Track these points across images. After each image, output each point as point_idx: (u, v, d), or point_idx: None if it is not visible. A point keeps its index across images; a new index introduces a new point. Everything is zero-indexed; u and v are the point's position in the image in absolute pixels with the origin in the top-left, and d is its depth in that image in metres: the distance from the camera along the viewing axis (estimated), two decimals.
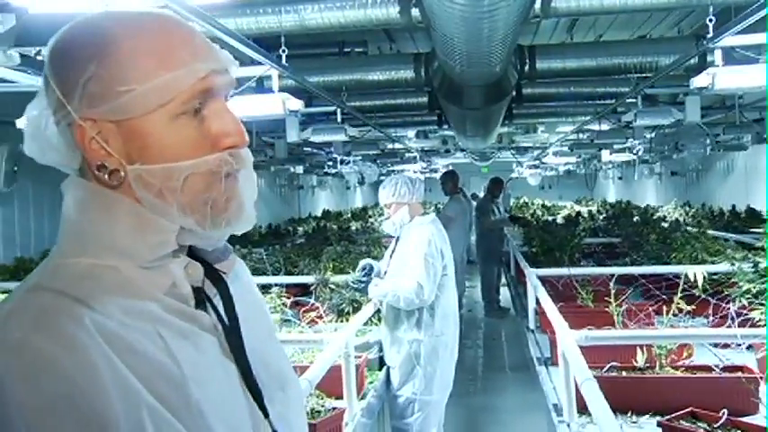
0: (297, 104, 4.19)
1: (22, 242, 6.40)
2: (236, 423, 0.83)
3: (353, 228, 11.31)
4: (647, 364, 2.79)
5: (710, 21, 3.93)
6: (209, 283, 0.88)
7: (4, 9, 2.24)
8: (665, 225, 7.93)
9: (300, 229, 11.43)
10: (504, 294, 8.82)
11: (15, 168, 5.93)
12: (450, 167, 17.39)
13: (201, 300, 0.85)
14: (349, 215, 15.41)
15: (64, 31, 0.82)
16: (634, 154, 9.59)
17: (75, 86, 0.78)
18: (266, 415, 0.87)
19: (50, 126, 0.80)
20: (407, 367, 3.47)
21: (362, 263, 3.70)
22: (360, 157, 11.44)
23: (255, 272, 5.04)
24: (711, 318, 3.08)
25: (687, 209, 10.98)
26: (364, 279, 3.57)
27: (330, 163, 12.19)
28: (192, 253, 0.88)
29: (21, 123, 0.92)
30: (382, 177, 14.62)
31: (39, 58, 2.41)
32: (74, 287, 0.74)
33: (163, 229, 0.81)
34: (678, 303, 2.97)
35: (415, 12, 4.18)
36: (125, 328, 0.74)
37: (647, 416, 2.54)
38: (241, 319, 0.89)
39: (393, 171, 15.34)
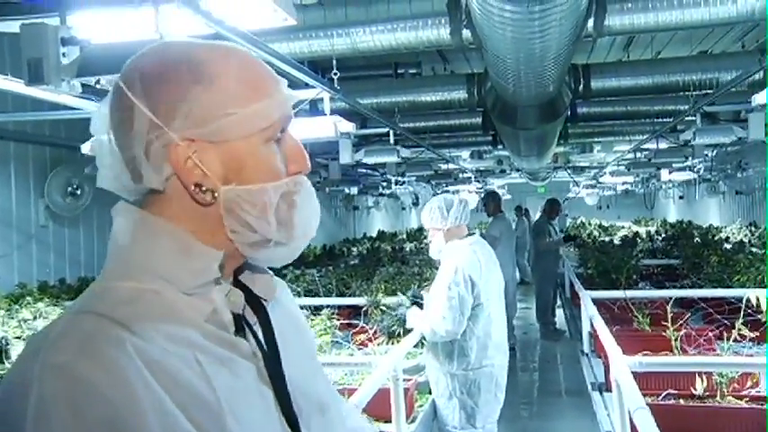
0: (348, 127, 4.23)
1: (86, 262, 6.66)
2: None
3: (407, 249, 11.29)
4: (707, 393, 2.69)
5: None
6: (250, 310, 0.90)
7: (70, 42, 2.34)
8: (728, 246, 7.67)
9: (355, 249, 11.48)
10: (560, 316, 8.66)
11: (77, 190, 6.19)
12: (503, 187, 17.29)
13: (241, 327, 0.87)
14: (404, 236, 15.40)
15: (149, 58, 0.85)
16: (695, 173, 9.32)
17: (177, 108, 0.81)
18: None
19: (135, 148, 0.82)
20: (446, 399, 3.34)
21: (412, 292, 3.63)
22: (414, 178, 11.45)
23: (308, 293, 5.08)
24: None
25: (753, 229, 10.60)
26: (407, 306, 3.48)
27: (384, 184, 12.24)
28: (235, 280, 0.90)
29: (85, 148, 0.95)
30: None
31: (98, 86, 2.51)
32: (117, 311, 0.76)
33: (207, 256, 0.84)
34: (740, 329, 2.86)
35: (466, 33, 4.19)
36: (165, 354, 0.76)
37: None
38: (280, 344, 0.91)
39: (447, 191, 15.30)
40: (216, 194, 0.83)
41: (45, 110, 4.48)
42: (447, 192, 15.42)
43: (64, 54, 2.20)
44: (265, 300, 0.92)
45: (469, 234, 3.54)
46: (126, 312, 0.77)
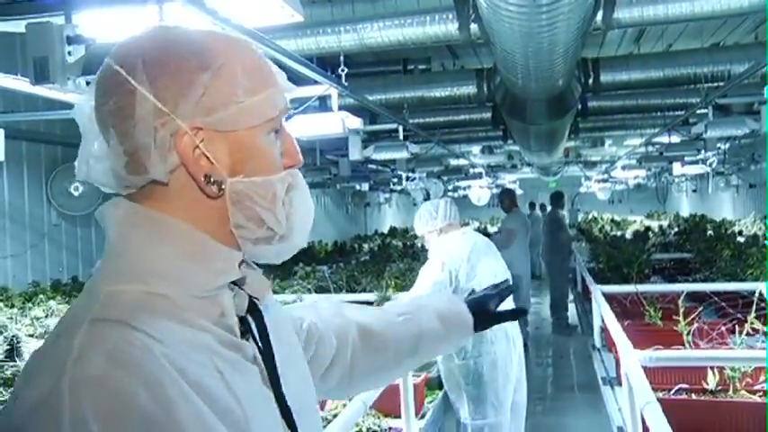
0: (356, 123, 4.23)
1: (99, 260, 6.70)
2: None
3: (419, 245, 11.27)
4: (720, 387, 2.66)
5: None
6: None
7: (76, 41, 2.35)
8: (741, 240, 7.60)
9: (366, 246, 11.47)
10: (572, 311, 8.63)
11: (76, 190, 6.22)
12: (515, 183, 17.23)
13: (245, 330, 0.85)
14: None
15: (152, 41, 0.81)
16: (707, 166, 9.23)
17: (184, 95, 0.77)
18: None
19: (136, 136, 0.78)
20: (455, 391, 3.40)
21: None
22: (424, 174, 11.44)
23: (319, 290, 5.08)
24: None
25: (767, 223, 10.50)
26: None
27: (395, 180, 12.22)
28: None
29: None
30: (449, 193, 14.60)
31: None
32: (135, 318, 0.72)
33: (228, 255, 0.82)
34: (752, 323, 2.83)
35: (474, 27, 4.17)
36: (188, 361, 0.73)
37: None
38: (275, 344, 0.89)
39: (458, 187, 15.26)
40: (222, 186, 0.80)
41: (57, 109, 4.50)
42: (458, 187, 15.42)
43: (69, 53, 2.21)
44: (257, 299, 0.88)
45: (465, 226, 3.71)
46: (144, 318, 0.73)
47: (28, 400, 0.67)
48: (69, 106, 3.69)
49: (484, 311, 1.40)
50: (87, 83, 2.44)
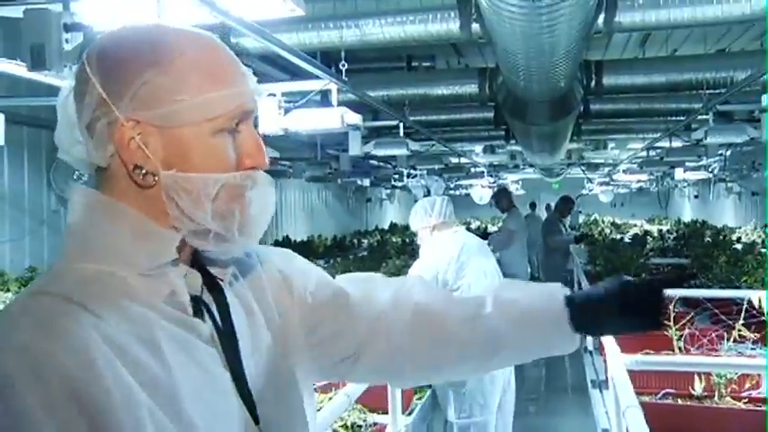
0: (355, 118, 4.23)
1: None
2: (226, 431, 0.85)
3: (418, 242, 11.26)
4: (705, 393, 2.67)
5: None
6: (207, 292, 0.90)
7: (74, 28, 2.36)
8: (738, 247, 7.59)
9: (365, 241, 11.48)
10: None
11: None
12: (517, 183, 17.22)
13: (199, 309, 0.87)
14: None
15: (113, 36, 0.86)
16: (709, 172, 9.21)
17: (127, 88, 0.81)
18: (257, 422, 0.88)
19: (82, 121, 0.84)
20: (442, 389, 3.42)
21: None
22: (425, 171, 11.43)
23: None
24: None
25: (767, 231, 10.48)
26: None
27: (396, 176, 12.22)
28: (194, 260, 0.91)
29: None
30: (451, 191, 14.59)
31: None
32: (74, 291, 0.77)
33: (163, 238, 0.84)
34: (740, 330, 2.83)
35: (475, 27, 4.16)
36: (122, 334, 0.76)
37: None
38: (241, 325, 0.91)
39: (459, 185, 15.26)
40: (156, 178, 0.83)
41: (58, 95, 4.50)
42: (460, 186, 15.41)
43: (67, 40, 2.22)
44: (221, 280, 0.92)
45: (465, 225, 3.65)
46: (81, 292, 0.77)
47: None
48: None
49: (597, 306, 1.04)
50: None
